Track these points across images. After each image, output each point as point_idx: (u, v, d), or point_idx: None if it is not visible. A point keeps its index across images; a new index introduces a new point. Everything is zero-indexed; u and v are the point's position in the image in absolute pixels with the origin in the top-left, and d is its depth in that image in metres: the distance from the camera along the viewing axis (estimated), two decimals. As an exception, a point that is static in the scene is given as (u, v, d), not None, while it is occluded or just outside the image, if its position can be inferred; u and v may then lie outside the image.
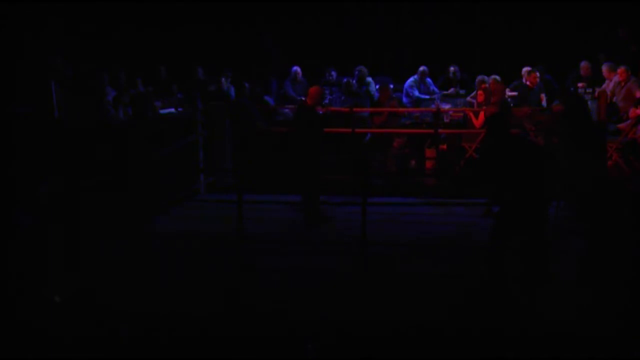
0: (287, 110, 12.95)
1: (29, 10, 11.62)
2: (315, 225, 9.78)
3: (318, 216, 9.93)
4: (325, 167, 10.15)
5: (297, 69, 13.83)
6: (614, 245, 8.04)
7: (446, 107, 12.49)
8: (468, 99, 12.64)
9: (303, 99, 11.61)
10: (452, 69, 13.69)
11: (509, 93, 12.46)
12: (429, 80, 13.52)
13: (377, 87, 13.01)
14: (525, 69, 12.54)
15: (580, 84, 12.38)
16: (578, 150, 9.43)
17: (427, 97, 13.26)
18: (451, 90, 13.29)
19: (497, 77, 12.12)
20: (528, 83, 12.38)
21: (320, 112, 10.27)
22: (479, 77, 12.47)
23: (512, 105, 11.72)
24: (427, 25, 15.41)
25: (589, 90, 12.22)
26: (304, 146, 9.88)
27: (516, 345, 6.64)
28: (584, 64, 12.75)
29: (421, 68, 13.43)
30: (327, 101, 13.22)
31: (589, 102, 10.81)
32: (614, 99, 11.84)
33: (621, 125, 11.32)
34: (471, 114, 11.70)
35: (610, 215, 8.35)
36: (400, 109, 12.68)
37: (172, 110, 13.01)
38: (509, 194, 7.32)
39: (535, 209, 7.32)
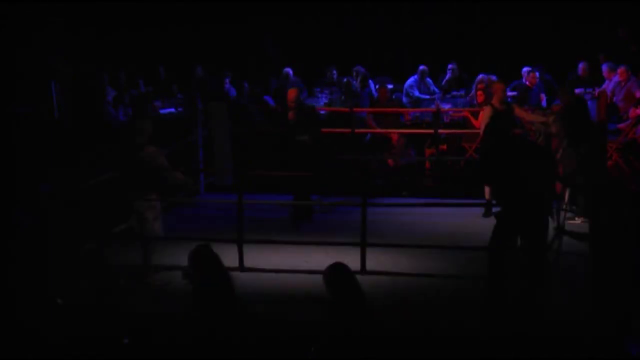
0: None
1: (29, 10, 11.62)
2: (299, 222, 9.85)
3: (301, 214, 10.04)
4: (325, 168, 10.16)
5: (288, 69, 13.82)
6: (615, 245, 8.03)
7: (446, 107, 12.49)
8: (467, 99, 12.67)
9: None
10: (450, 66, 13.73)
11: (509, 93, 12.46)
12: (429, 80, 13.53)
13: (377, 87, 13.02)
14: (525, 69, 12.54)
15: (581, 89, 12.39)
16: (578, 150, 9.45)
17: (427, 97, 13.27)
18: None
19: (493, 78, 12.16)
20: (528, 83, 12.39)
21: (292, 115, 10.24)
22: (480, 77, 12.49)
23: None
24: (427, 25, 15.42)
25: (589, 90, 12.23)
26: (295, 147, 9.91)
27: (516, 346, 6.64)
28: (582, 65, 12.75)
29: (421, 68, 13.44)
30: (326, 100, 13.25)
31: (589, 102, 10.82)
32: (614, 99, 11.85)
33: (621, 125, 11.34)
34: (469, 115, 11.70)
35: (610, 215, 8.34)
36: (400, 109, 12.68)
37: (172, 110, 13.03)
38: (510, 194, 7.31)
39: (536, 209, 7.31)
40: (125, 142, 8.42)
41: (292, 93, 10.16)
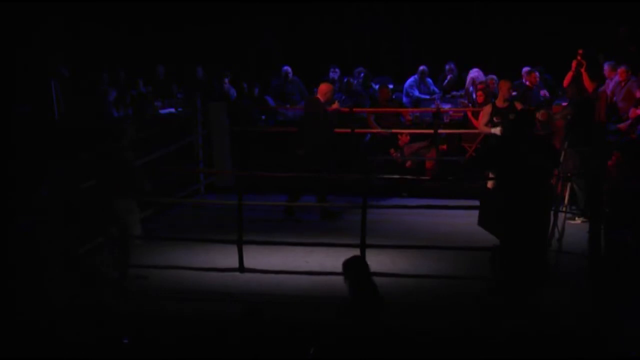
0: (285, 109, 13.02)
1: (29, 10, 11.62)
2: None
3: (326, 212, 10.16)
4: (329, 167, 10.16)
5: (287, 68, 13.82)
6: (615, 245, 8.04)
7: (446, 107, 12.49)
8: (462, 100, 12.71)
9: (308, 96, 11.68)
10: (448, 66, 13.76)
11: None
12: (429, 80, 13.53)
13: (377, 87, 13.02)
14: (525, 69, 12.53)
15: None
16: (578, 151, 9.46)
17: (427, 97, 13.27)
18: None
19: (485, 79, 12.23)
20: (528, 83, 12.38)
21: (330, 110, 10.30)
22: (473, 71, 12.52)
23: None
24: (427, 25, 15.41)
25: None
26: (312, 144, 9.96)
27: (516, 346, 6.64)
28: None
29: (421, 68, 13.44)
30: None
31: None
32: (614, 99, 11.84)
33: (621, 125, 11.31)
34: (470, 114, 11.71)
35: (610, 215, 8.35)
36: (400, 109, 12.66)
37: (172, 110, 13.02)
38: (512, 191, 7.31)
39: (537, 208, 7.32)
40: (105, 143, 8.44)
41: (329, 86, 10.40)
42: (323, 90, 10.30)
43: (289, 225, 9.91)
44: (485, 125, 10.38)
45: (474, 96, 12.07)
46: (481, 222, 8.29)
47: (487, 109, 10.42)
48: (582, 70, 11.18)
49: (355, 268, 6.33)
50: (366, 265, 6.37)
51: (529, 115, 7.91)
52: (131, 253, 8.21)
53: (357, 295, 6.22)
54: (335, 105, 10.42)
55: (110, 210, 8.11)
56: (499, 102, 10.34)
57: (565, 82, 11.67)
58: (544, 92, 12.42)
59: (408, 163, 11.65)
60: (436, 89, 13.50)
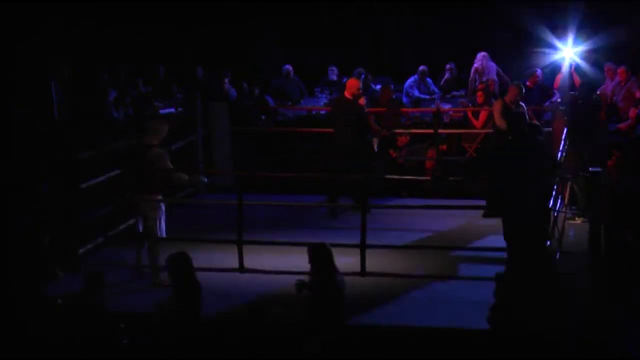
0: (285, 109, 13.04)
1: (29, 10, 11.62)
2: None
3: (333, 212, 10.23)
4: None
5: (288, 67, 13.81)
6: (615, 245, 8.05)
7: (446, 107, 12.50)
8: (462, 100, 12.72)
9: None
10: (448, 66, 13.76)
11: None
12: (429, 80, 13.54)
13: (377, 87, 13.03)
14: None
15: None
16: (578, 151, 9.47)
17: (427, 97, 13.27)
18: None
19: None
20: (528, 83, 12.37)
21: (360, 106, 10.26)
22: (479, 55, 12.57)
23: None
24: (427, 25, 15.42)
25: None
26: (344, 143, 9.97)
27: (516, 346, 6.64)
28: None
29: (421, 68, 13.45)
30: (326, 100, 13.25)
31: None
32: (614, 99, 11.85)
33: (621, 125, 11.33)
34: (470, 114, 11.71)
35: (610, 215, 8.36)
36: (400, 109, 12.67)
37: (172, 110, 13.02)
38: (513, 192, 7.32)
39: (537, 208, 7.32)
40: (133, 140, 8.44)
41: (356, 82, 10.28)
42: (349, 85, 10.20)
43: (289, 225, 9.91)
44: (501, 117, 10.04)
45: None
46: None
47: (498, 105, 10.10)
48: (572, 70, 11.19)
49: (178, 263, 6.52)
50: (189, 261, 6.55)
51: (522, 117, 7.91)
52: (159, 252, 8.19)
53: (178, 289, 6.48)
54: (362, 101, 10.33)
55: (136, 207, 8.17)
56: (508, 101, 10.09)
57: (556, 84, 11.68)
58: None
59: (407, 163, 11.66)
60: (436, 89, 13.51)
